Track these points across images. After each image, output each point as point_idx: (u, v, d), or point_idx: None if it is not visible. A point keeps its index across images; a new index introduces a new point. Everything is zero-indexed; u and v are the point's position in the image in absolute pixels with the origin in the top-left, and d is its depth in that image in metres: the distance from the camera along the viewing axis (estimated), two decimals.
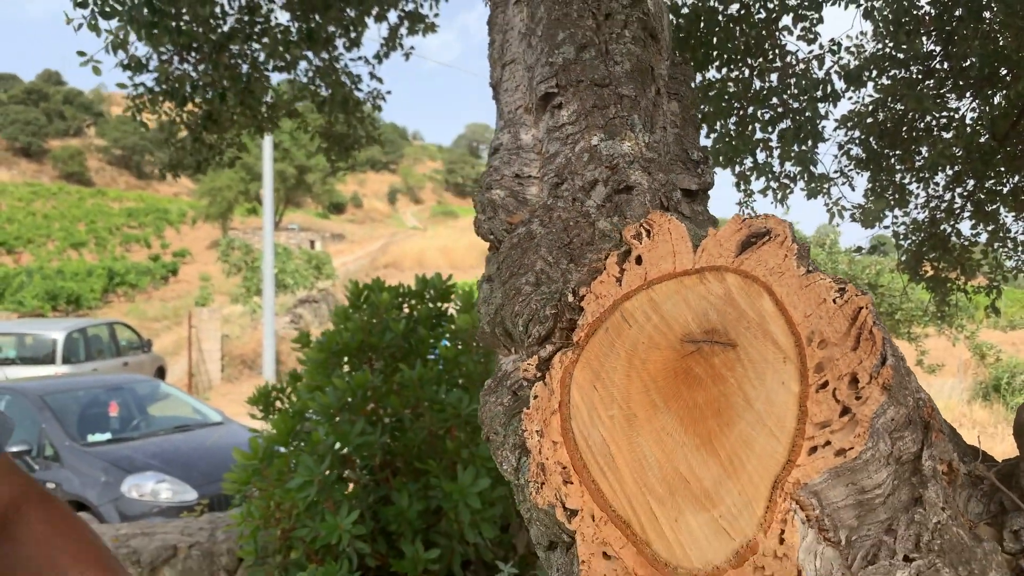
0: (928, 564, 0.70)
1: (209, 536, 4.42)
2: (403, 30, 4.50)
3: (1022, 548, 0.76)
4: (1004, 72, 3.93)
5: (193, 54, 3.56)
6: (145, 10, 2.78)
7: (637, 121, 1.21)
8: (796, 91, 3.88)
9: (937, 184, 4.51)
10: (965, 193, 4.69)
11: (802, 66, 3.90)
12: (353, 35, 4.08)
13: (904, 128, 4.15)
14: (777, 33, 3.87)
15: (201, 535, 4.42)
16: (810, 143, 3.83)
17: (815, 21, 3.78)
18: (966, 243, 4.83)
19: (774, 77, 3.94)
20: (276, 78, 4.19)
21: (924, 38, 3.81)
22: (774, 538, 0.71)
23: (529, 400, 0.93)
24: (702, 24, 3.62)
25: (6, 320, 17.26)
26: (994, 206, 4.61)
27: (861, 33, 4.13)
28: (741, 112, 4.01)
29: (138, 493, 5.91)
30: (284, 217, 42.54)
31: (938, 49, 3.88)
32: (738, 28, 3.72)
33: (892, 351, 0.71)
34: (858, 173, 4.34)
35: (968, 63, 3.87)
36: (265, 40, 3.54)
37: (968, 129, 4.22)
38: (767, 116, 3.99)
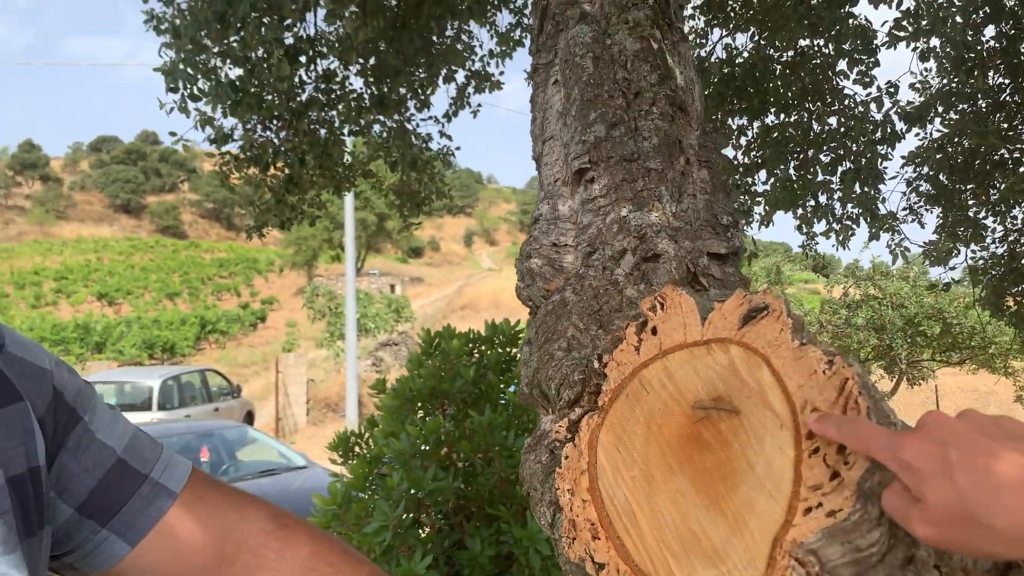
0: None
1: None
2: (470, 89, 4.71)
3: None
4: None
5: (274, 122, 3.83)
6: (229, 90, 3.04)
7: (664, 192, 1.30)
8: (855, 134, 3.87)
9: (1015, 218, 4.37)
10: None
11: (861, 109, 3.89)
12: (423, 97, 4.30)
13: (976, 162, 4.06)
14: (834, 78, 3.89)
15: None
16: (871, 184, 3.81)
17: (871, 65, 3.78)
18: None
19: (832, 120, 3.94)
20: (351, 140, 4.43)
21: (991, 72, 3.75)
22: None
23: (562, 460, 1.02)
24: (757, 72, 3.67)
25: (107, 369, 18.27)
26: None
27: (925, 69, 4.10)
28: (801, 156, 4.01)
29: None
30: (365, 263, 43.74)
31: (1007, 82, 3.81)
32: (794, 75, 3.75)
33: (877, 418, 0.77)
34: (927, 210, 4.26)
35: None
36: (340, 106, 3.78)
37: None
38: (827, 159, 3.98)
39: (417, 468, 3.69)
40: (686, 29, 1.56)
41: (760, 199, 4.21)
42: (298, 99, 3.86)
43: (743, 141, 4.07)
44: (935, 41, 3.73)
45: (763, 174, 4.08)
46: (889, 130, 3.77)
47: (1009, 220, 4.38)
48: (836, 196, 4.05)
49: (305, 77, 3.81)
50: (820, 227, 4.20)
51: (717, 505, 0.84)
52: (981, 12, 3.72)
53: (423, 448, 3.87)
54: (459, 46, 4.50)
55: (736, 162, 4.01)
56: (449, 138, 4.76)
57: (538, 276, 1.31)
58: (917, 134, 4.06)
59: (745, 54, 3.83)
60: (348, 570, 0.83)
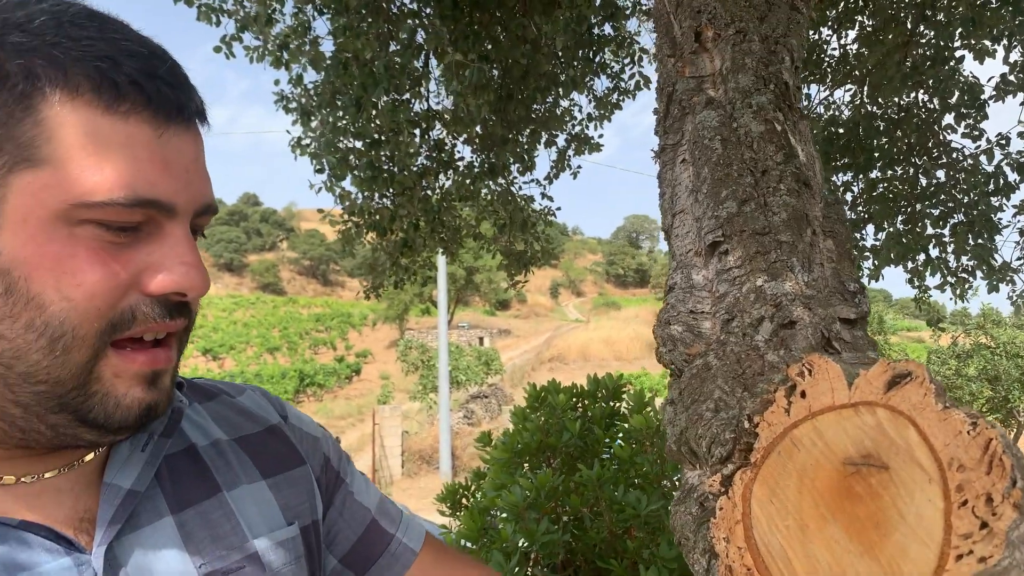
0: None
1: None
2: (570, 151, 4.93)
3: None
4: None
5: (390, 191, 4.12)
6: (367, 169, 3.35)
7: (796, 263, 1.42)
8: (965, 186, 3.85)
9: None
10: None
11: (970, 162, 3.87)
12: (526, 161, 4.54)
13: None
14: (940, 132, 3.89)
15: None
16: (987, 236, 3.76)
17: (978, 119, 3.77)
18: None
19: (940, 174, 3.94)
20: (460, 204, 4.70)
21: None
22: None
23: (715, 511, 1.14)
24: (862, 130, 3.73)
25: None
26: None
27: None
28: (909, 210, 4.01)
29: None
30: (455, 316, 44.47)
31: None
32: (899, 130, 3.79)
33: (1022, 475, 0.86)
34: None
35: None
36: (452, 174, 4.04)
37: None
38: (936, 212, 3.97)
39: (531, 520, 3.80)
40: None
41: (868, 254, 4.20)
42: (413, 169, 4.15)
43: (848, 196, 4.10)
44: None
45: (870, 228, 4.10)
46: (1002, 181, 3.74)
47: None
48: (949, 249, 4.01)
49: (421, 147, 4.10)
50: (933, 280, 4.15)
51: (871, 552, 0.94)
52: None
53: (533, 500, 3.98)
54: (558, 111, 4.73)
55: None
56: (551, 199, 4.97)
57: (679, 342, 1.44)
58: None
59: (846, 112, 3.90)
60: None
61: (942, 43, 3.49)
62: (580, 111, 5.03)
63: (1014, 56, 3.66)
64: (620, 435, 4.54)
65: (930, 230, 4.01)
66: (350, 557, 0.88)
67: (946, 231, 3.97)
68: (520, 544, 3.81)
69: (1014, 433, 15.61)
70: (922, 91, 3.79)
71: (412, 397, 25.74)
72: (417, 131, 3.96)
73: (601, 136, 4.96)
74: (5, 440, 0.59)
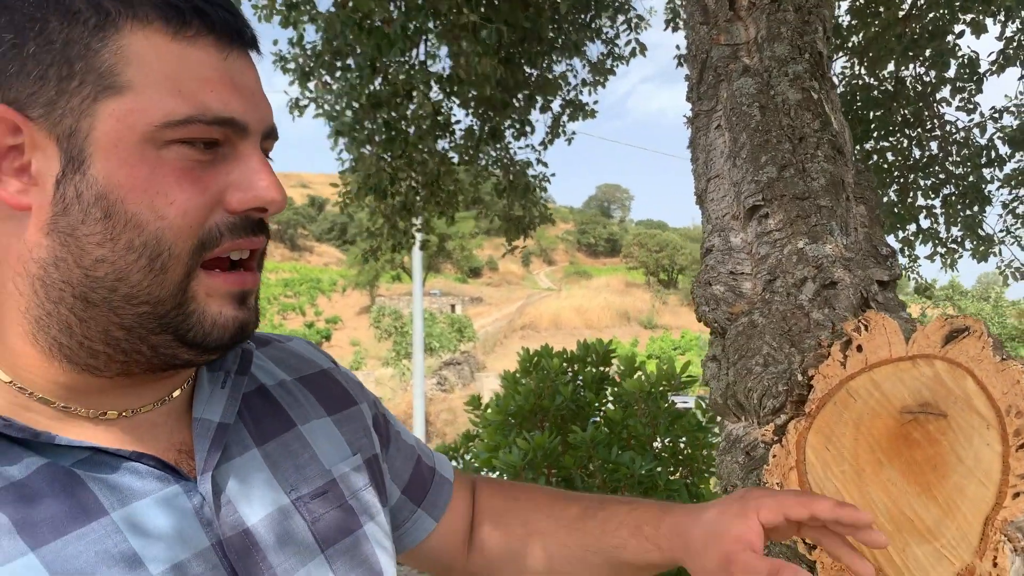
0: None
1: None
2: (564, 117, 4.94)
3: None
4: None
5: (388, 154, 4.11)
6: (384, 129, 3.35)
7: (835, 227, 1.48)
8: (958, 158, 3.95)
9: None
10: None
11: (963, 134, 3.97)
12: (520, 127, 4.55)
13: None
14: (935, 105, 3.98)
15: None
16: (979, 207, 3.87)
17: (973, 92, 3.86)
18: None
19: (934, 145, 4.03)
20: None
21: None
22: (988, 563, 0.94)
23: (768, 458, 1.20)
24: (859, 102, 3.80)
25: None
26: None
27: (1020, 93, 4.16)
28: (902, 181, 4.11)
29: None
30: (426, 283, 44.37)
31: None
32: (894, 102, 3.86)
33: None
34: None
35: None
36: (452, 138, 4.04)
37: None
38: (929, 183, 4.07)
39: (528, 480, 3.89)
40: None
41: None
42: (410, 131, 4.14)
43: None
44: None
45: None
46: (994, 154, 3.84)
47: None
48: (941, 220, 4.13)
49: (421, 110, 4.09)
50: (923, 250, 4.28)
51: (928, 492, 1.01)
52: None
53: (531, 460, 4.07)
54: (550, 76, 4.74)
55: None
56: (545, 165, 5.00)
57: (721, 301, 1.50)
58: (1018, 160, 4.11)
59: (840, 86, 3.96)
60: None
61: (944, 15, 3.56)
62: (575, 76, 5.03)
63: (1010, 31, 3.75)
64: (611, 398, 4.63)
65: (922, 201, 4.13)
66: (409, 489, 0.95)
67: (937, 202, 4.09)
68: None
69: None
70: (919, 64, 3.87)
71: (385, 363, 25.77)
72: (426, 92, 3.95)
73: (596, 102, 4.99)
74: (108, 366, 0.62)
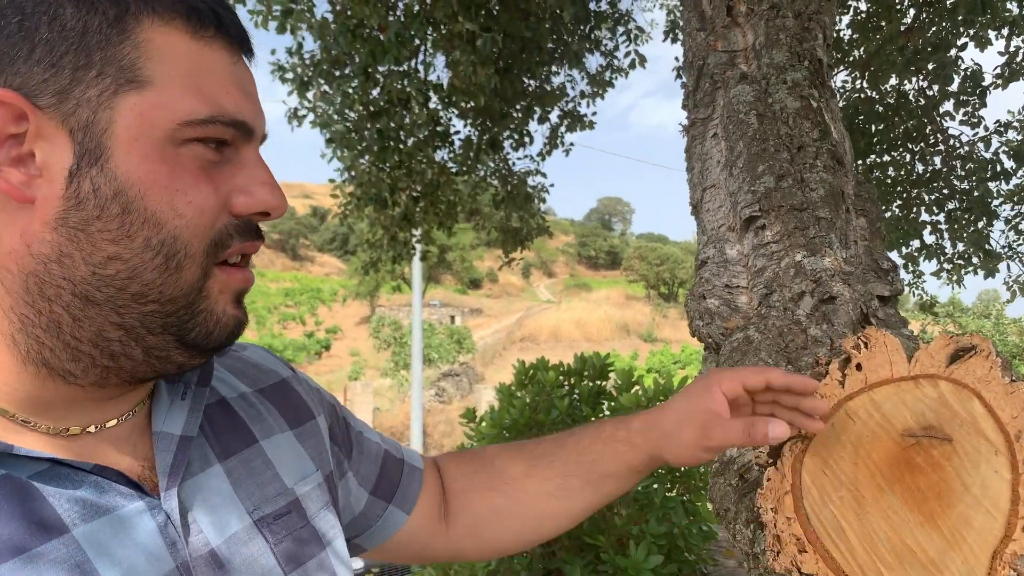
0: None
1: None
2: (563, 128, 4.91)
3: None
4: None
5: (386, 164, 4.07)
6: (377, 138, 3.31)
7: (834, 239, 1.42)
8: (963, 173, 3.90)
9: None
10: None
11: (966, 148, 3.92)
12: (519, 137, 4.51)
13: None
14: (939, 119, 3.93)
15: None
16: (985, 223, 3.82)
17: (977, 105, 3.82)
18: None
19: (937, 160, 3.98)
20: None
21: None
22: None
23: (761, 482, 1.14)
24: (860, 116, 3.75)
25: None
26: None
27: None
28: (905, 196, 4.06)
29: None
30: (426, 294, 44.34)
31: None
32: (896, 116, 3.82)
33: None
34: None
35: None
36: (451, 148, 4.00)
37: None
38: (933, 198, 4.02)
39: None
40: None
41: None
42: (410, 142, 4.10)
43: None
44: None
45: None
46: (999, 167, 3.79)
47: None
48: (945, 235, 4.07)
49: (419, 120, 4.05)
50: (928, 267, 4.22)
51: (932, 522, 0.94)
52: None
53: None
54: (548, 87, 4.70)
55: None
56: (544, 175, 4.96)
57: (716, 315, 1.44)
58: (1022, 176, 4.05)
59: (842, 100, 3.92)
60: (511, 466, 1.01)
61: (947, 28, 3.52)
62: (573, 87, 5.00)
63: (1014, 45, 3.71)
64: (607, 412, 4.57)
65: (925, 216, 4.08)
66: (378, 489, 0.95)
67: (941, 217, 4.03)
68: None
69: None
70: (921, 77, 3.83)
71: (384, 374, 25.68)
72: (423, 101, 3.92)
73: (595, 114, 4.95)
74: (87, 373, 0.59)
